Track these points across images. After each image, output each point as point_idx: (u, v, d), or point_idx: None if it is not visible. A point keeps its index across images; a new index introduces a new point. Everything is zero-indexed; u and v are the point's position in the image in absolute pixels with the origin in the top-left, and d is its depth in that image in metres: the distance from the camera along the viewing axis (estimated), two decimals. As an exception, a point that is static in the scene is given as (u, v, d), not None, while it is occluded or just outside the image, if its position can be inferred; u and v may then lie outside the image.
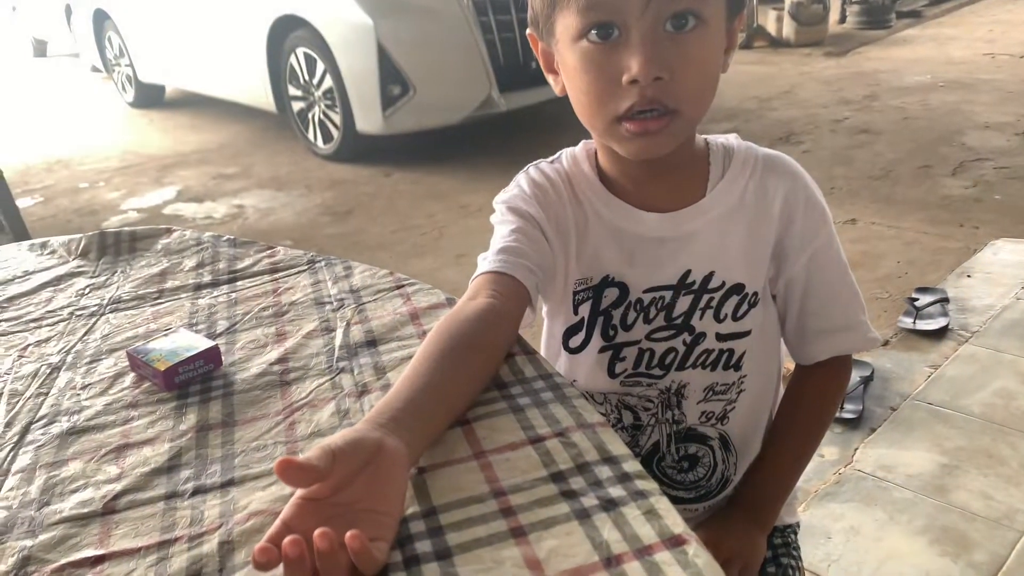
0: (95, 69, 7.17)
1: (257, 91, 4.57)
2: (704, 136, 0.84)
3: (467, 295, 0.73)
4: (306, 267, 0.98)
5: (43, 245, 1.13)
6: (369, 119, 3.90)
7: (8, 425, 0.72)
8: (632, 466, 0.55)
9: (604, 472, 0.55)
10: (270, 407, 0.70)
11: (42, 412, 0.74)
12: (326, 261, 0.98)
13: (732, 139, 0.84)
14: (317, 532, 0.46)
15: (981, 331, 2.13)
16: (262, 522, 0.55)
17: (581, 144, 0.86)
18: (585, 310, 0.84)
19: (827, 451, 1.74)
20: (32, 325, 0.91)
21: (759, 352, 0.84)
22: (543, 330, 0.92)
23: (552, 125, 4.28)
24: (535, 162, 0.86)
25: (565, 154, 0.86)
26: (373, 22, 3.66)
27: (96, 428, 0.70)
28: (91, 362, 0.82)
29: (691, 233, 0.80)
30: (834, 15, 6.66)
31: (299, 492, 0.51)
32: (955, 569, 1.40)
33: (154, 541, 0.55)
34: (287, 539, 0.46)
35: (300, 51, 4.12)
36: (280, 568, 0.46)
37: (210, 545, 0.54)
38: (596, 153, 0.84)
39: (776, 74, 5.45)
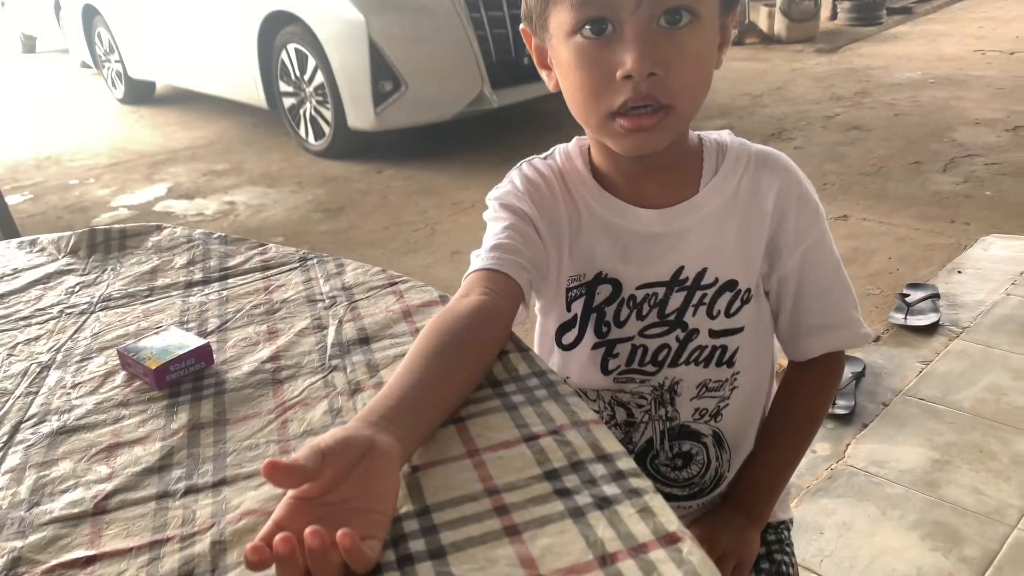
0: (84, 65, 7.12)
1: (248, 87, 4.55)
2: (698, 132, 0.84)
3: (460, 292, 0.72)
4: (298, 264, 0.97)
5: (32, 242, 1.12)
6: (361, 115, 3.88)
7: (-3, 424, 0.71)
8: (626, 464, 0.55)
9: (598, 470, 0.55)
10: (262, 405, 0.70)
11: (32, 411, 0.73)
12: (318, 258, 0.98)
13: (725, 135, 0.84)
14: (308, 530, 0.46)
15: (972, 327, 2.14)
16: (254, 522, 0.55)
17: (574, 140, 0.85)
18: (578, 307, 0.84)
19: (819, 447, 1.74)
20: (22, 323, 0.90)
21: (752, 349, 0.84)
22: (536, 327, 0.92)
23: (545, 121, 4.28)
24: (528, 158, 0.86)
25: (558, 150, 0.86)
26: (364, 18, 3.65)
27: (86, 427, 0.70)
28: (81, 361, 0.81)
29: (684, 229, 0.80)
30: (825, 11, 6.69)
31: (291, 492, 0.51)
32: (946, 563, 1.41)
33: (146, 541, 0.55)
34: (278, 536, 0.46)
35: (291, 47, 4.10)
36: (273, 568, 0.46)
37: (202, 545, 0.54)
38: (589, 149, 0.84)
39: (768, 70, 5.46)
